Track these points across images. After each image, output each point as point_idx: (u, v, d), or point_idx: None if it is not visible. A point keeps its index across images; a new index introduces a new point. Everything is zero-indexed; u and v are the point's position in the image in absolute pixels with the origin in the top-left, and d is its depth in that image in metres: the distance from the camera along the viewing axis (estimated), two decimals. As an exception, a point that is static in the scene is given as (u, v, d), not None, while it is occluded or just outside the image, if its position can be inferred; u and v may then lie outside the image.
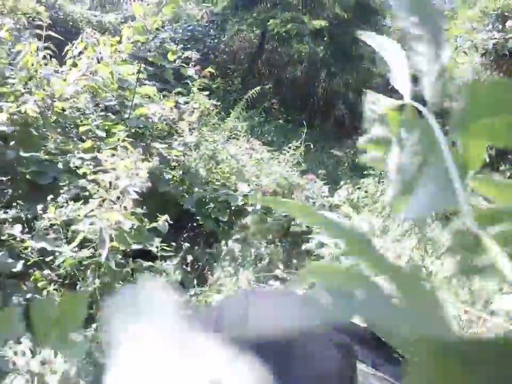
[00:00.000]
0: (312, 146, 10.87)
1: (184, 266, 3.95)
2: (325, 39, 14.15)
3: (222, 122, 8.40)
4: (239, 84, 10.66)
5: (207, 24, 11.64)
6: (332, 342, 0.74)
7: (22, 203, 3.71)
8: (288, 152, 7.22)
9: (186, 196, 5.34)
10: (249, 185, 5.82)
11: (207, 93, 8.04)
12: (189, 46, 10.99)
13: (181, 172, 5.65)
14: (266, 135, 10.26)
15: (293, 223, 5.40)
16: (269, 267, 4.36)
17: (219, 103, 8.32)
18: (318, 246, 4.51)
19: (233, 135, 7.94)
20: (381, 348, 0.90)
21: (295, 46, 15.44)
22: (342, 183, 8.52)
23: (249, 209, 5.31)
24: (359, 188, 8.12)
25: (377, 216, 6.85)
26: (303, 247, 4.78)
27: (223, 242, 4.71)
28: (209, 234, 5.20)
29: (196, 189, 5.45)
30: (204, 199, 5.35)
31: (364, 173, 8.89)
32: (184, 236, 4.88)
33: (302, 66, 17.02)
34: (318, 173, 7.28)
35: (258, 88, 8.92)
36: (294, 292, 1.14)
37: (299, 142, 7.22)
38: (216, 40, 11.64)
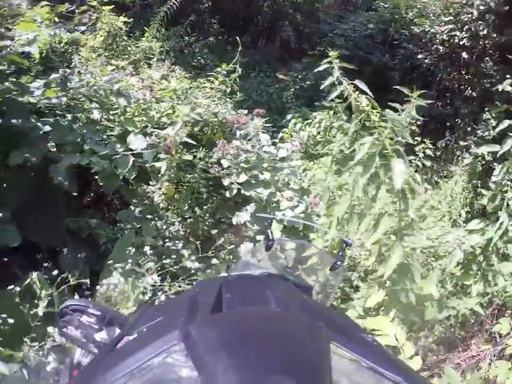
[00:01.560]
0: (254, 70, 8.97)
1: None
2: None
3: (134, 43, 6.29)
4: None
5: None
6: (306, 326, 0.73)
7: None
8: (217, 78, 5.24)
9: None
10: (149, 135, 3.94)
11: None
12: None
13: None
14: (198, 57, 8.10)
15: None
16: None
17: (130, 20, 6.19)
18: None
19: (144, 61, 5.85)
20: (352, 332, 0.85)
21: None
22: (289, 117, 6.81)
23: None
24: (309, 124, 6.38)
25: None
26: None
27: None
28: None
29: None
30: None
31: (315, 103, 7.14)
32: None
33: (245, -18, 14.71)
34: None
35: None
36: (263, 276, 1.47)
37: (231, 65, 5.20)
38: None
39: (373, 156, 2.74)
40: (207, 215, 4.36)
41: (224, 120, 5.16)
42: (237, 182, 3.94)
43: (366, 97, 2.88)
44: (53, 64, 5.24)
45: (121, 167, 3.60)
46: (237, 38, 5.55)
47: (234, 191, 3.96)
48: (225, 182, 3.99)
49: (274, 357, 0.63)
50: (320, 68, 3.32)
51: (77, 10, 6.55)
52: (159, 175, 3.90)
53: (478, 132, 7.51)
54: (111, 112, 4.35)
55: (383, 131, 2.77)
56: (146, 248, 3.39)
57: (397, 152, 2.78)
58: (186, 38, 8.09)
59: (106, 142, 4.03)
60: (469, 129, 8.18)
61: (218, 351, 0.63)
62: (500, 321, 3.51)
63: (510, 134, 3.40)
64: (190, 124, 5.03)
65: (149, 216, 3.76)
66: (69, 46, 6.12)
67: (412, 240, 3.31)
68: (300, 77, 8.70)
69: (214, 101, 5.22)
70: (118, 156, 3.68)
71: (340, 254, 1.66)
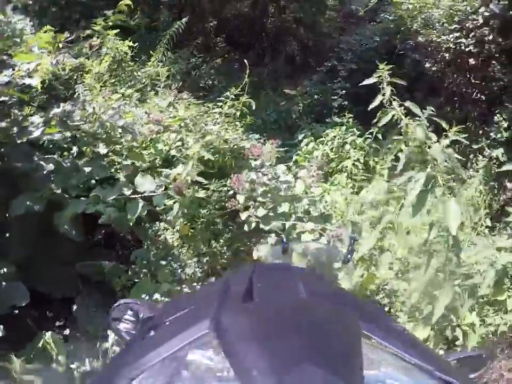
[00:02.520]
0: (262, 88, 8.62)
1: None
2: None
3: (140, 68, 5.98)
4: (168, 19, 7.87)
5: None
6: (337, 315, 0.72)
7: None
8: (226, 103, 4.90)
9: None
10: (158, 176, 3.61)
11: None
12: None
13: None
14: (206, 79, 7.77)
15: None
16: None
17: (136, 45, 5.89)
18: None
19: (151, 87, 5.53)
20: (384, 323, 0.81)
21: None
22: (300, 136, 6.44)
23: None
24: (321, 143, 6.03)
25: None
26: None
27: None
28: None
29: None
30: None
31: (326, 119, 6.79)
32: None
33: (248, 1, 14.41)
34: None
35: (184, 20, 6.40)
36: (294, 266, 1.47)
37: (240, 88, 4.86)
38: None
39: (424, 193, 2.37)
40: (225, 248, 4.03)
41: (235, 147, 4.84)
42: (255, 215, 3.59)
43: (419, 125, 2.53)
44: (56, 92, 4.97)
45: (130, 213, 3.27)
46: (244, 60, 5.15)
47: (253, 225, 3.62)
48: (243, 215, 3.67)
49: (305, 346, 0.60)
50: (368, 81, 2.94)
51: (81, 35, 6.25)
52: (172, 215, 3.56)
53: (491, 134, 7.17)
54: (118, 146, 4.03)
55: (437, 165, 2.41)
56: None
57: (451, 190, 2.45)
58: (193, 60, 7.77)
59: (114, 178, 3.73)
60: (480, 132, 7.83)
61: (250, 340, 0.60)
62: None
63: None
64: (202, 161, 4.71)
65: (163, 262, 3.40)
66: (74, 73, 5.84)
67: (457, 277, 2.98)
68: (308, 93, 8.32)
69: (224, 126, 4.90)
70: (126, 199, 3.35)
71: (350, 248, 1.77)
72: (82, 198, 3.33)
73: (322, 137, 6.17)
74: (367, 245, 3.13)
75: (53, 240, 3.35)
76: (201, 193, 3.70)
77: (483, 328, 3.26)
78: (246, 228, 3.74)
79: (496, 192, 6.76)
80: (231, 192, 3.89)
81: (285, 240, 1.80)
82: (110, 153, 4.01)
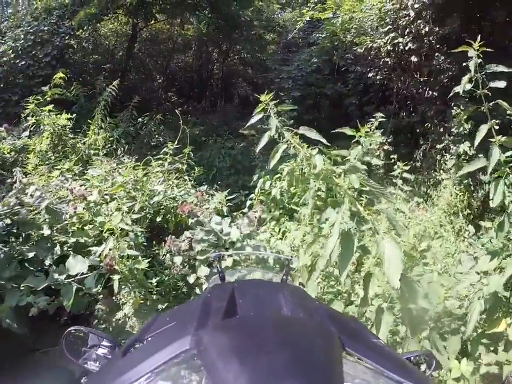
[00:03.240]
0: (212, 136, 8.37)
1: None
2: (206, 11, 11.31)
3: (82, 139, 5.70)
4: (105, 85, 7.62)
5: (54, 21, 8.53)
6: (319, 331, 0.71)
7: None
8: (166, 160, 4.62)
9: None
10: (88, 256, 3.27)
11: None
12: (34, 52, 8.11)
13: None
14: (156, 136, 7.50)
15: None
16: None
17: (73, 116, 5.64)
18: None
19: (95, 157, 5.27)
20: (364, 338, 0.83)
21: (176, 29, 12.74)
22: (255, 177, 6.13)
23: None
24: (279, 179, 5.72)
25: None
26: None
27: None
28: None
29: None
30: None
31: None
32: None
33: (191, 51, 14.40)
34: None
35: (115, 83, 6.16)
36: (275, 282, 1.45)
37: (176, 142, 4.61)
38: (67, 38, 8.52)
39: (348, 237, 1.98)
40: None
41: (183, 203, 4.54)
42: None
43: (319, 152, 2.20)
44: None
45: (65, 299, 2.91)
46: (176, 111, 4.92)
47: (204, 286, 3.32)
48: (191, 279, 3.54)
49: (286, 363, 0.59)
50: (252, 121, 2.57)
51: (22, 115, 5.98)
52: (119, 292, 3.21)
53: (452, 129, 6.91)
54: (59, 226, 3.72)
55: (353, 198, 2.05)
56: None
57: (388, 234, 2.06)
58: (140, 120, 7.50)
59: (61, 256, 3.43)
60: (441, 129, 7.55)
61: (230, 357, 0.59)
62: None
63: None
64: (148, 216, 4.39)
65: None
66: (18, 154, 5.53)
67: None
68: (259, 130, 8.10)
69: (169, 184, 4.60)
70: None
71: (286, 270, 1.70)
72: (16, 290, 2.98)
73: (278, 173, 5.86)
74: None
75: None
76: (144, 263, 3.34)
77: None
78: (198, 290, 3.55)
79: (472, 189, 6.48)
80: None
81: (219, 269, 1.74)
82: (55, 233, 3.71)
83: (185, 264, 3.69)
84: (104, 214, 3.90)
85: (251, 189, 6.19)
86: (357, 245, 1.95)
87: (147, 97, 10.73)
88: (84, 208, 3.57)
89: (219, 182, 6.54)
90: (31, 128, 5.81)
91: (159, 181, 4.64)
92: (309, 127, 2.44)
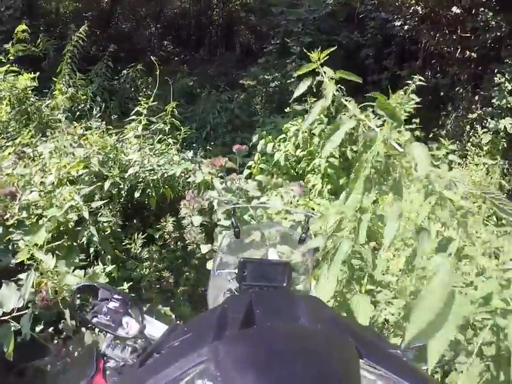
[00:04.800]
0: (210, 87, 7.25)
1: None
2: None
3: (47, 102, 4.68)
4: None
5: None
6: (336, 342, 0.70)
7: None
8: (141, 121, 3.65)
9: None
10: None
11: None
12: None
13: None
14: (141, 93, 6.38)
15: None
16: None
17: (36, 75, 4.61)
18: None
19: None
20: (381, 348, 0.81)
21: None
22: (254, 138, 5.12)
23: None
24: (283, 141, 4.70)
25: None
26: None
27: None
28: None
29: None
30: None
31: (285, 110, 5.43)
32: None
33: (188, -4, 13.04)
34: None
35: (82, 28, 5.00)
36: (293, 291, 1.50)
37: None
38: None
39: None
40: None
41: (165, 175, 3.59)
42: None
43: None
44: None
45: (4, 344, 1.99)
46: (152, 58, 3.91)
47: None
48: (204, 248, 3.05)
49: (304, 375, 0.58)
50: (300, 89, 1.63)
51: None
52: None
53: (493, 100, 5.75)
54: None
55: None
56: None
57: None
58: (124, 72, 6.37)
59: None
60: (475, 97, 6.36)
61: (247, 367, 0.58)
62: None
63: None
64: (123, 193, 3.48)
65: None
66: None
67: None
68: (262, 81, 6.97)
69: (145, 151, 3.64)
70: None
71: (305, 227, 1.73)
72: None
73: (283, 132, 4.85)
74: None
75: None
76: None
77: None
78: (209, 265, 2.90)
79: (506, 170, 5.45)
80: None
81: (234, 223, 1.73)
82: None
83: (202, 230, 3.15)
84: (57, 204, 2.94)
85: (251, 149, 5.22)
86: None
87: (138, 47, 9.55)
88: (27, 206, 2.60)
89: (213, 143, 5.55)
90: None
91: (134, 149, 3.68)
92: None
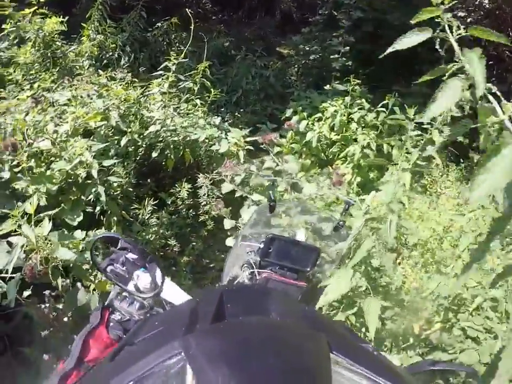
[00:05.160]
0: (245, 50, 6.84)
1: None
2: None
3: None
4: None
5: None
6: (307, 335, 0.70)
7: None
8: (168, 78, 3.36)
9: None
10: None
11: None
12: None
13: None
14: (173, 47, 6.01)
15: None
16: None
17: (66, 19, 4.31)
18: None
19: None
20: (352, 342, 0.79)
21: None
22: (288, 112, 4.77)
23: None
24: (318, 120, 4.35)
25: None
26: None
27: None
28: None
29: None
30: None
31: (324, 86, 5.05)
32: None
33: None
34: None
35: None
36: (264, 287, 1.44)
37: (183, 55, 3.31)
38: None
39: None
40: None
41: (188, 138, 3.32)
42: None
43: None
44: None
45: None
46: (188, 11, 3.58)
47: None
48: (227, 224, 2.78)
49: (275, 368, 0.57)
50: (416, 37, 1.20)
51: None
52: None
53: None
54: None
55: None
56: None
57: None
58: (159, 24, 6.01)
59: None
60: None
61: (219, 361, 0.57)
62: None
63: None
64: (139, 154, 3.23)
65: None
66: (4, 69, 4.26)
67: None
68: (302, 52, 6.53)
69: (169, 110, 3.37)
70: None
71: (343, 214, 1.64)
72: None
73: (319, 111, 4.49)
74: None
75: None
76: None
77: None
78: (229, 242, 2.70)
79: None
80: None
81: (272, 197, 1.62)
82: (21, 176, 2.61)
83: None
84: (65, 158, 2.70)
85: (281, 123, 4.90)
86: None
87: (175, 1, 9.14)
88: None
89: (242, 110, 5.23)
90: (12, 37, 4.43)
91: (158, 106, 3.40)
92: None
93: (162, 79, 3.46)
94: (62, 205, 2.65)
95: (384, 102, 4.23)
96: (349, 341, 0.78)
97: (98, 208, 2.70)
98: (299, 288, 1.50)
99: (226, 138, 3.48)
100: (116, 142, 3.08)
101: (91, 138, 2.83)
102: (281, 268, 1.51)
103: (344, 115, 4.25)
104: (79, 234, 2.39)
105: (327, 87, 4.82)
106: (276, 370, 0.56)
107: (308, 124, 4.30)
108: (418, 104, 5.42)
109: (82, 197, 2.73)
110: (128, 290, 1.27)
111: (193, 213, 3.63)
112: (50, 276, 1.92)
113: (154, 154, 3.44)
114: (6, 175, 2.58)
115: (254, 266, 1.53)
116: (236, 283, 1.55)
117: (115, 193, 2.82)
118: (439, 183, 3.91)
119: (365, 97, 4.48)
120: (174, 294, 1.32)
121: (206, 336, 0.64)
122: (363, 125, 4.23)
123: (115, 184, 2.78)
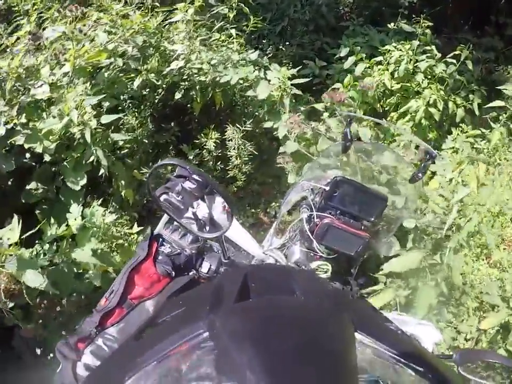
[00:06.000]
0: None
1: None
2: None
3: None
4: None
5: None
6: (332, 314, 0.69)
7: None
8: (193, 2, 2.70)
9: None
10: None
11: None
12: None
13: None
14: None
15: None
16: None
17: None
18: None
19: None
20: (377, 322, 0.80)
21: None
22: (343, 52, 3.95)
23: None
24: (379, 64, 3.61)
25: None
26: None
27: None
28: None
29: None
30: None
31: (388, 23, 4.22)
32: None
33: None
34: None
35: None
36: (287, 266, 1.40)
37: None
38: None
39: None
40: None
41: (216, 79, 2.72)
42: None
43: None
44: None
45: None
46: None
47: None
48: (291, 178, 2.69)
49: (298, 347, 0.56)
50: None
51: None
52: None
53: None
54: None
55: None
56: None
57: None
58: None
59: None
60: None
61: (243, 340, 0.56)
62: None
63: None
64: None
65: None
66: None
67: None
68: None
69: (195, 43, 2.74)
70: None
71: (423, 165, 1.46)
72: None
73: (381, 53, 3.73)
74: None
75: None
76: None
77: None
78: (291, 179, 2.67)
79: None
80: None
81: (349, 136, 1.44)
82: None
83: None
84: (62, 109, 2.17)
85: (331, 62, 4.17)
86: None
87: None
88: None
89: (287, 42, 4.49)
90: None
91: (182, 38, 2.76)
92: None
93: (188, 3, 2.77)
94: (65, 162, 2.21)
95: (456, 52, 3.55)
96: (373, 320, 0.78)
97: (102, 171, 2.21)
98: (361, 239, 1.39)
99: (265, 78, 2.86)
100: (126, 85, 2.48)
101: (90, 84, 2.25)
102: (342, 213, 1.41)
103: (410, 62, 3.50)
104: (75, 209, 2.08)
105: (391, 25, 3.99)
106: (299, 350, 0.55)
107: (365, 68, 3.58)
108: (489, 61, 4.61)
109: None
110: (182, 224, 1.13)
111: (221, 166, 3.17)
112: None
113: (177, 96, 2.86)
114: (1, 131, 2.17)
115: (313, 208, 1.42)
116: (291, 227, 1.49)
117: (122, 152, 2.29)
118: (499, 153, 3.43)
119: (435, 44, 3.73)
120: (237, 231, 1.20)
121: (230, 315, 0.63)
122: (429, 77, 3.52)
123: (121, 142, 2.24)
